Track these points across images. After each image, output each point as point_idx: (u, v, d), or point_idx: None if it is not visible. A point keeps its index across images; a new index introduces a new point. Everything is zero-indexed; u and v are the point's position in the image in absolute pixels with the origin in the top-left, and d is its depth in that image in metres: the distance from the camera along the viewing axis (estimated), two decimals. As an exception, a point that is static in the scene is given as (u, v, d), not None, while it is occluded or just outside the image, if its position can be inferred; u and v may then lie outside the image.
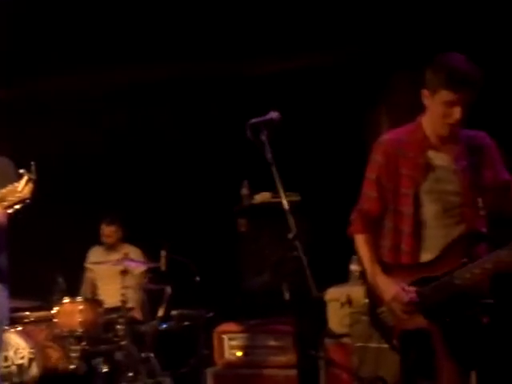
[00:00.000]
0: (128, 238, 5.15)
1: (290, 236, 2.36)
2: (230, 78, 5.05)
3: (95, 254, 5.17)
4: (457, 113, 2.55)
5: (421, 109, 2.73)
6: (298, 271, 2.54)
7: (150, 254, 4.83)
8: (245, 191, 5.10)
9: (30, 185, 2.58)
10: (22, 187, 2.57)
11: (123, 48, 4.81)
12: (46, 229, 5.17)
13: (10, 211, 2.65)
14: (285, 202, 2.41)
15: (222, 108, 5.33)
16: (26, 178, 2.58)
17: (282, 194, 2.42)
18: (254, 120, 2.56)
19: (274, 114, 2.61)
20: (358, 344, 3.50)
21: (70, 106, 5.36)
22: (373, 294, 2.76)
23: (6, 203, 2.61)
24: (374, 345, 3.28)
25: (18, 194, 2.58)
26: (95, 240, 5.22)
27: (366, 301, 2.80)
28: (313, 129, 5.24)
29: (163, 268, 4.54)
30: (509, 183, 2.73)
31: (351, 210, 2.92)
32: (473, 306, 2.56)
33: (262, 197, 5.04)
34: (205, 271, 4.78)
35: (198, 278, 4.72)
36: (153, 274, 4.73)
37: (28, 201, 2.61)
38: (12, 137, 3.75)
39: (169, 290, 4.69)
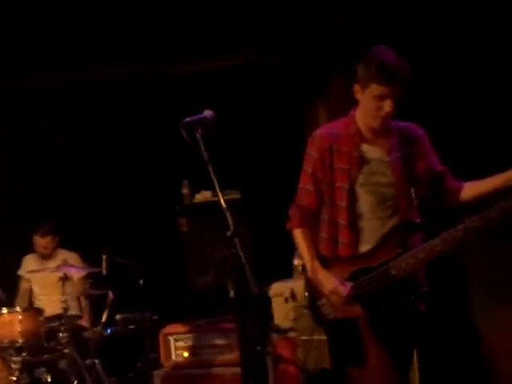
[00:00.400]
0: (66, 242, 5.03)
1: (229, 233, 2.35)
2: (166, 76, 5.01)
3: (30, 263, 5.02)
4: (387, 106, 2.61)
5: (355, 103, 2.78)
6: (240, 268, 2.54)
7: (90, 259, 4.73)
8: (185, 190, 5.08)
9: None
10: None
11: (50, 49, 4.70)
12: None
13: None
14: (222, 201, 2.40)
15: (163, 108, 5.28)
16: None
17: (219, 193, 2.41)
18: (187, 119, 2.55)
19: (208, 113, 2.60)
20: (303, 337, 3.54)
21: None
22: (312, 287, 2.80)
23: None
24: (317, 337, 3.32)
25: None
26: (28, 248, 5.06)
27: (306, 294, 2.84)
28: (251, 126, 5.26)
29: (105, 272, 4.46)
30: (442, 173, 2.81)
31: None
32: (408, 294, 2.64)
33: (203, 196, 5.03)
34: (148, 273, 4.73)
35: (141, 281, 4.67)
36: (94, 279, 4.64)
37: None
38: None
39: (111, 294, 4.61)
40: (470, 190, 2.76)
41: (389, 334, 2.67)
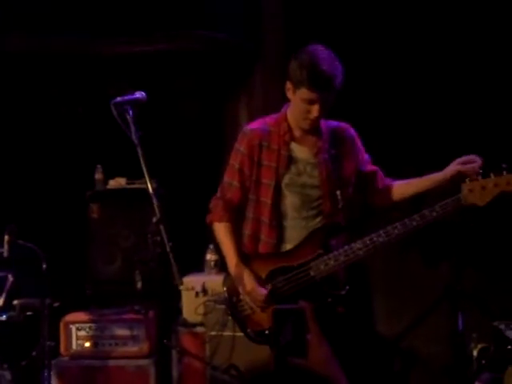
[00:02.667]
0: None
1: (154, 220, 2.28)
2: (89, 55, 4.82)
3: None
4: (315, 111, 2.62)
5: (280, 100, 2.78)
6: (157, 258, 2.47)
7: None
8: (98, 176, 4.91)
9: None
10: None
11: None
12: None
13: None
14: (149, 186, 2.33)
15: (81, 88, 5.08)
16: None
17: (147, 176, 2.34)
18: (118, 99, 2.47)
19: (139, 94, 2.54)
20: (212, 333, 3.51)
21: None
22: (231, 283, 2.77)
23: None
24: (228, 333, 3.30)
25: None
26: None
27: (224, 289, 2.81)
28: (172, 115, 5.17)
29: (6, 254, 4.22)
30: (371, 174, 2.86)
31: (208, 199, 2.91)
32: (325, 296, 2.66)
33: (117, 182, 4.88)
34: (52, 258, 4.52)
35: (44, 265, 4.45)
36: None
37: None
38: None
39: (11, 277, 4.37)
40: (400, 190, 2.83)
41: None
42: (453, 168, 2.67)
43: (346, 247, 2.64)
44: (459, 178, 2.64)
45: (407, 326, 3.85)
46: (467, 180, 2.61)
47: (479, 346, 3.30)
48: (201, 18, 4.63)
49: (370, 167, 2.86)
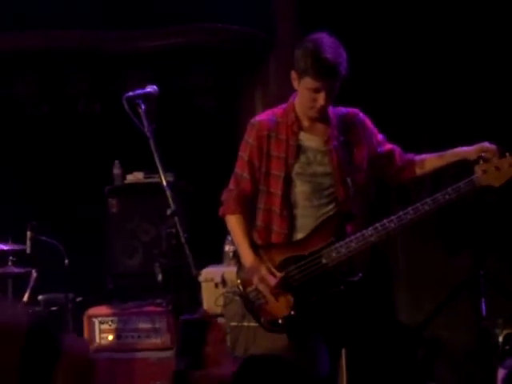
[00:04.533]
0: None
1: (169, 212, 2.30)
2: (102, 52, 4.85)
3: None
4: (321, 99, 2.61)
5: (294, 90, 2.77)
6: (174, 250, 2.49)
7: (15, 236, 4.53)
8: (117, 171, 4.96)
9: None
10: None
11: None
12: None
13: None
14: (163, 178, 2.35)
15: (98, 85, 5.11)
16: None
17: (160, 170, 2.36)
18: (130, 93, 2.49)
19: (151, 88, 2.56)
20: (232, 324, 3.53)
21: None
22: (244, 273, 2.78)
23: None
24: (247, 324, 3.32)
25: None
26: None
27: (238, 281, 2.83)
28: (187, 109, 5.19)
29: (29, 250, 4.29)
30: (390, 152, 2.83)
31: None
32: (338, 284, 2.65)
33: (135, 177, 4.93)
34: (74, 254, 4.58)
35: (66, 261, 4.51)
36: (17, 257, 4.44)
37: None
38: None
39: (34, 273, 4.44)
40: (421, 164, 2.81)
41: (321, 323, 2.69)
42: (476, 152, 2.64)
43: (358, 234, 2.63)
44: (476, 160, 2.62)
45: (430, 313, 3.83)
46: (480, 161, 2.58)
47: (504, 332, 3.27)
48: (213, 10, 4.63)
49: (387, 146, 2.83)
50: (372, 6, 4.18)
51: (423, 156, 2.81)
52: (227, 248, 4.31)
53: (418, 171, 2.79)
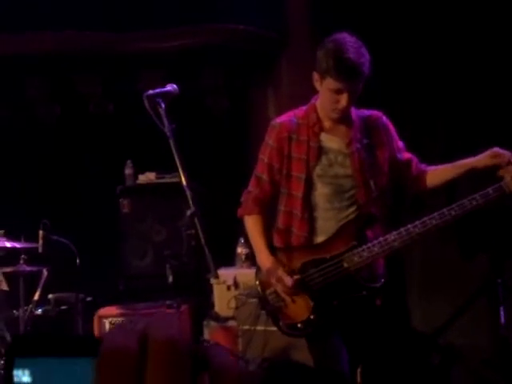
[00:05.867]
0: (4, 217, 4.77)
1: (188, 213, 2.27)
2: (117, 52, 4.84)
3: None
4: (343, 100, 2.57)
5: (307, 90, 2.74)
6: (191, 251, 2.47)
7: (27, 234, 4.52)
8: (128, 171, 4.94)
9: None
10: None
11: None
12: None
13: None
14: (183, 178, 2.32)
15: (111, 85, 5.10)
16: None
17: (181, 169, 2.33)
18: (151, 92, 2.47)
19: (171, 87, 2.54)
20: (245, 327, 3.49)
21: None
22: (262, 276, 2.75)
23: None
24: (260, 327, 3.28)
25: None
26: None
27: (256, 283, 2.80)
28: (199, 110, 5.17)
29: (40, 249, 4.27)
30: (407, 161, 2.80)
31: (237, 192, 2.88)
32: (360, 289, 2.62)
33: (147, 177, 4.92)
34: (85, 253, 4.57)
35: (77, 261, 4.50)
36: (29, 256, 4.43)
37: None
38: None
39: (45, 272, 4.43)
40: (434, 176, 2.77)
41: (341, 327, 2.65)
42: (486, 159, 2.62)
43: (381, 239, 2.59)
44: (491, 168, 2.59)
45: (447, 320, 3.78)
46: (504, 167, 2.55)
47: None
48: (225, 10, 4.61)
49: (405, 155, 2.81)
50: (386, 6, 4.15)
51: (435, 167, 2.78)
52: (239, 250, 4.29)
53: (430, 183, 2.77)
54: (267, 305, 2.74)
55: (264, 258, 2.72)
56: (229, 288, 4.01)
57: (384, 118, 2.78)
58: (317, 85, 2.64)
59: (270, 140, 2.76)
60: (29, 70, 4.92)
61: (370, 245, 2.60)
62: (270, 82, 4.93)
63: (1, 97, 5.03)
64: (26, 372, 2.12)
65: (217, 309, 4.04)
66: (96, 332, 4.21)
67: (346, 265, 2.61)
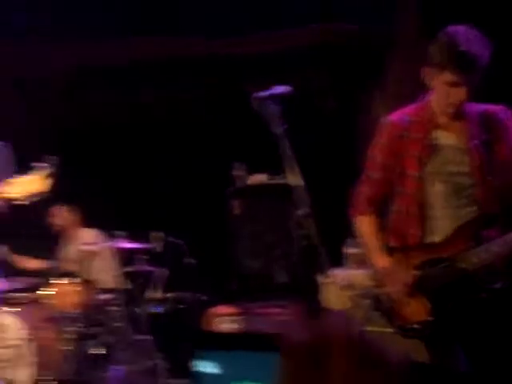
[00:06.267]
0: (125, 220, 5.04)
1: (300, 213, 2.29)
2: (228, 54, 4.96)
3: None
4: (462, 94, 2.48)
5: (415, 87, 2.67)
6: (302, 251, 2.48)
7: (144, 236, 4.74)
8: (238, 172, 5.03)
9: (50, 179, 2.56)
10: (41, 179, 2.55)
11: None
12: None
13: (26, 202, 2.62)
14: (294, 179, 2.34)
15: (218, 88, 5.23)
16: (46, 171, 2.57)
17: (291, 170, 2.35)
18: (260, 94, 2.50)
19: (282, 88, 2.55)
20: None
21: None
22: (375, 276, 2.71)
23: (23, 194, 2.60)
24: (374, 329, 3.23)
25: (36, 186, 2.57)
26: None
27: (369, 284, 2.76)
28: (307, 111, 5.17)
29: (158, 250, 4.47)
30: None
31: (344, 191, 2.85)
32: (479, 291, 2.52)
33: (257, 178, 4.98)
34: (199, 254, 4.72)
35: (192, 261, 4.66)
36: (148, 256, 4.64)
37: (46, 194, 2.59)
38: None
39: (163, 272, 4.62)
40: None
41: (459, 329, 2.57)
42: None
43: (500, 238, 2.48)
44: None
45: None
46: None
47: None
48: (330, 9, 4.60)
49: None
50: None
51: None
52: (350, 250, 4.24)
53: None
54: (381, 305, 2.70)
55: (377, 258, 2.68)
56: (341, 289, 3.98)
57: (503, 112, 2.65)
58: (429, 80, 2.57)
59: (381, 138, 2.71)
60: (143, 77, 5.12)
61: (488, 245, 2.50)
62: (376, 81, 4.86)
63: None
64: (212, 364, 2.26)
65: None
66: (209, 330, 4.31)
67: (463, 265, 2.52)
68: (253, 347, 2.20)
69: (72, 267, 4.76)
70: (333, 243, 4.24)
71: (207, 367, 2.28)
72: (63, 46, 4.86)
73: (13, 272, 4.56)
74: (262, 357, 2.13)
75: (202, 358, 2.28)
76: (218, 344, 2.32)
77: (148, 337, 4.41)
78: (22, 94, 5.07)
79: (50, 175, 2.57)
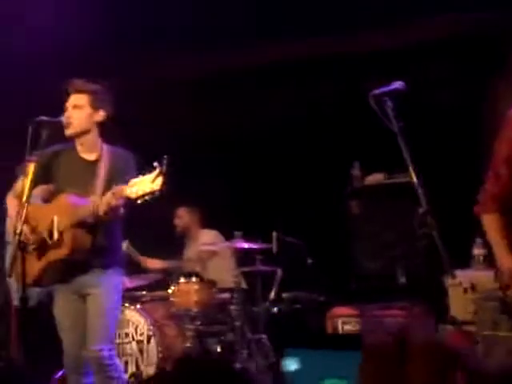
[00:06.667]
0: (242, 221, 5.12)
1: (421, 211, 2.20)
2: (343, 53, 4.88)
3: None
4: None
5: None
6: (424, 251, 2.39)
7: (262, 236, 4.79)
8: (356, 172, 4.95)
9: (161, 178, 2.64)
10: (154, 179, 2.63)
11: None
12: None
13: (139, 201, 2.72)
14: (414, 177, 2.26)
15: (335, 89, 5.18)
16: (158, 170, 2.65)
17: (411, 167, 2.27)
18: (377, 91, 2.45)
19: (398, 84, 2.49)
20: (485, 332, 3.28)
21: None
22: (501, 277, 2.56)
23: (136, 194, 2.69)
24: (503, 333, 3.05)
25: (149, 186, 2.65)
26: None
27: (493, 286, 2.61)
28: (426, 105, 4.99)
29: (275, 250, 4.49)
30: None
31: (469, 189, 2.71)
32: None
33: (374, 178, 4.88)
34: (317, 254, 4.69)
35: (310, 261, 4.65)
36: (264, 256, 4.68)
37: (158, 193, 2.66)
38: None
39: (280, 272, 4.64)
40: None
41: None
42: None
43: None
44: None
45: None
46: None
47: None
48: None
49: None
50: None
51: None
52: (477, 251, 4.05)
53: None
54: (509, 308, 2.54)
55: (503, 258, 2.54)
56: (465, 291, 3.80)
57: None
58: None
59: (506, 133, 2.56)
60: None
61: None
62: (501, 73, 4.60)
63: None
64: (295, 361, 2.29)
65: (452, 312, 3.86)
66: (329, 331, 4.28)
67: None
68: (335, 346, 2.18)
69: (193, 267, 4.90)
70: (461, 243, 4.09)
71: (293, 365, 2.27)
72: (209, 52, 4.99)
73: (135, 270, 4.75)
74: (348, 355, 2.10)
75: (289, 355, 2.28)
76: (337, 345, 2.29)
77: (264, 336, 4.44)
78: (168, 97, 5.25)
79: (161, 174, 2.64)
